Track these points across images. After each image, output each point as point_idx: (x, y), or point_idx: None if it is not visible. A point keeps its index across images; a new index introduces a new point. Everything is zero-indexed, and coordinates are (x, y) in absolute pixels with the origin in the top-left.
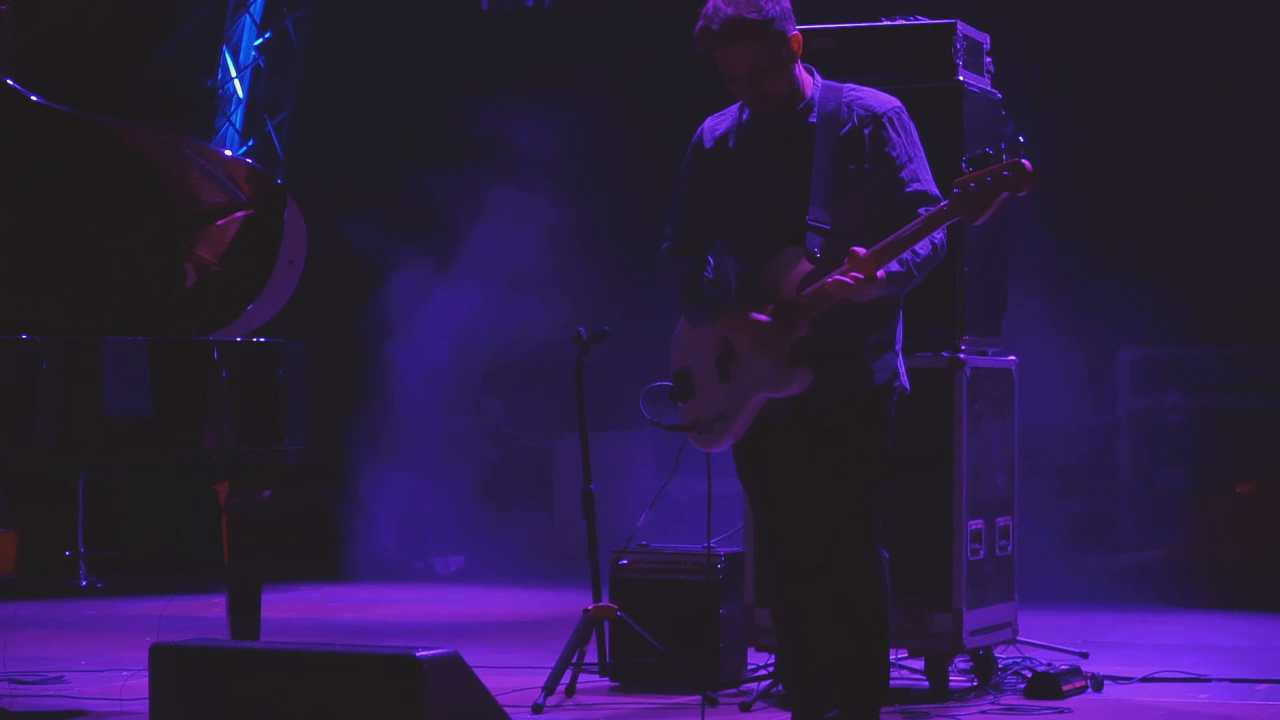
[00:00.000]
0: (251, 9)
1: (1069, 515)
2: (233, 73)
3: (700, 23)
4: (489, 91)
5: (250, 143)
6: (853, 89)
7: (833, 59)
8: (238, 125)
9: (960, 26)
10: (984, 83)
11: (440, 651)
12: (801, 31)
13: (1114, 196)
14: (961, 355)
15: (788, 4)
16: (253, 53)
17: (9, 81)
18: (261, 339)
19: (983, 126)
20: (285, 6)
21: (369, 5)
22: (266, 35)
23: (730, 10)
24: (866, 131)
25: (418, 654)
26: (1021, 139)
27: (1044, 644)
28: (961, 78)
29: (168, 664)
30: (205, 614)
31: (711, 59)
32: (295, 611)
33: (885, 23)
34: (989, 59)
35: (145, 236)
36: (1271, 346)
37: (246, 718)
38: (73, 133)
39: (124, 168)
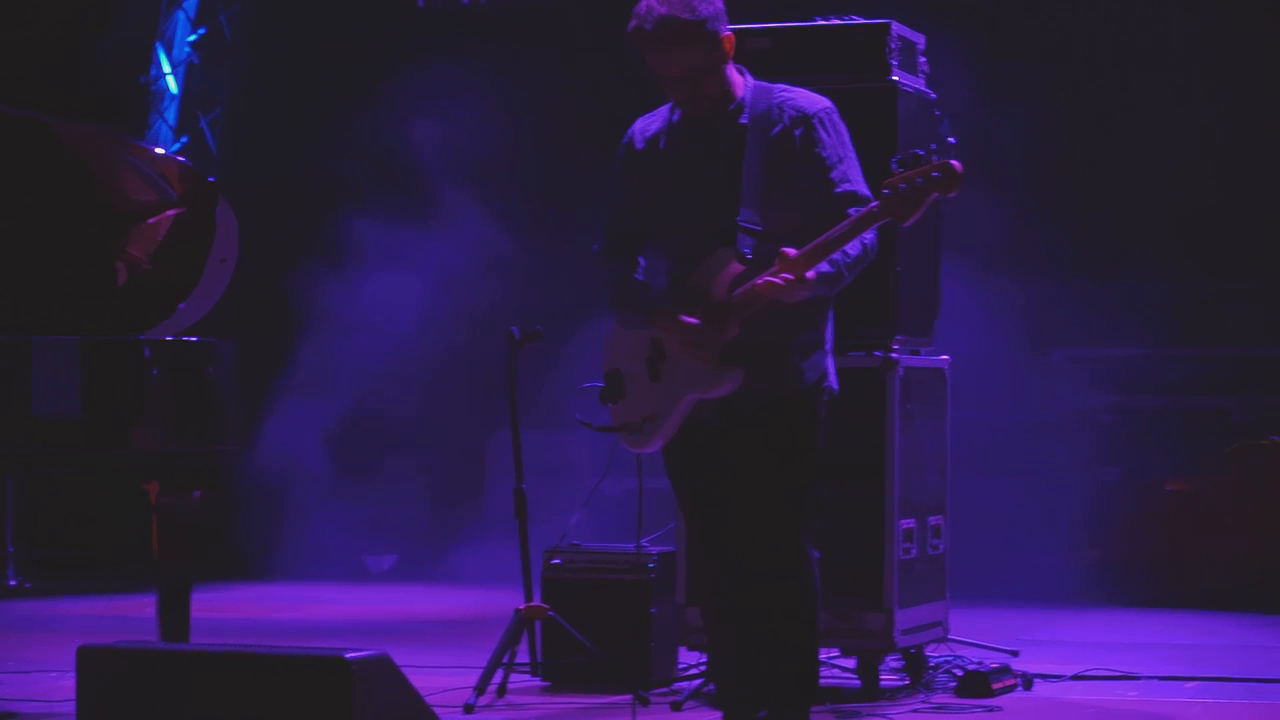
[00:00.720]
0: (185, 5)
1: (1000, 514)
2: (166, 69)
3: (633, 22)
4: (422, 87)
5: (184, 139)
6: (784, 89)
7: (767, 59)
8: (171, 122)
9: (895, 26)
10: (919, 83)
11: (369, 653)
12: (735, 32)
13: (1049, 197)
14: (894, 355)
15: (721, 4)
16: (186, 49)
17: None
18: (193, 338)
19: (917, 127)
20: (219, 3)
21: (303, 1)
22: (200, 31)
23: (663, 10)
24: (797, 132)
25: (346, 656)
26: (951, 140)
27: (975, 642)
28: (896, 78)
29: (95, 666)
30: (135, 614)
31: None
32: (227, 611)
33: (820, 22)
34: (924, 59)
35: (75, 234)
36: (1204, 346)
37: (173, 719)
38: (2, 128)
39: (54, 164)
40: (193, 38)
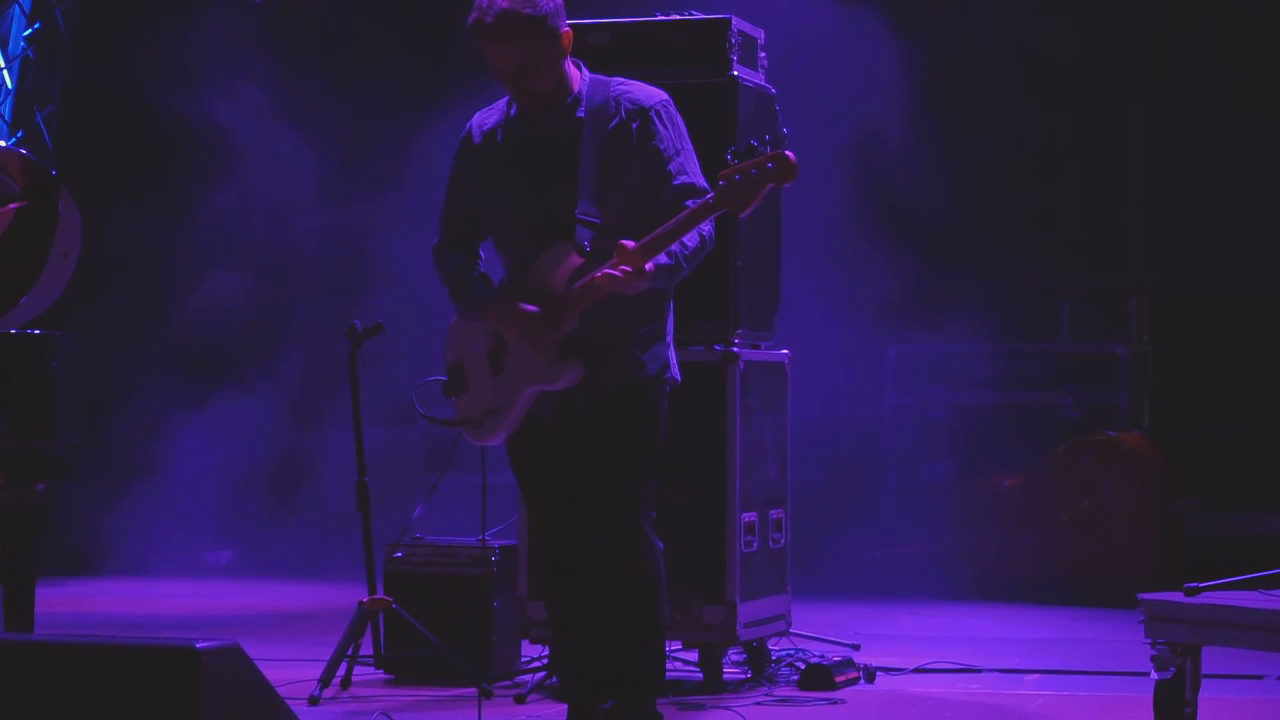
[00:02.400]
0: (20, 0)
1: (836, 508)
2: (1, 63)
3: (473, 15)
4: (250, 81)
5: (19, 134)
6: (620, 83)
7: (606, 54)
8: (6, 116)
9: (735, 21)
10: (759, 78)
11: (220, 643)
12: (574, 26)
13: (884, 193)
14: (734, 349)
15: (560, 1)
16: (21, 44)
17: None
18: (35, 331)
19: (757, 122)
20: None
21: None
22: (35, 26)
23: (505, 4)
24: (634, 125)
25: (196, 645)
26: (785, 130)
27: (817, 636)
28: (736, 73)
29: None
30: None
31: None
32: (60, 606)
33: (659, 17)
34: (763, 54)
35: None
36: (1032, 343)
37: (21, 710)
38: None
39: None
40: (28, 32)
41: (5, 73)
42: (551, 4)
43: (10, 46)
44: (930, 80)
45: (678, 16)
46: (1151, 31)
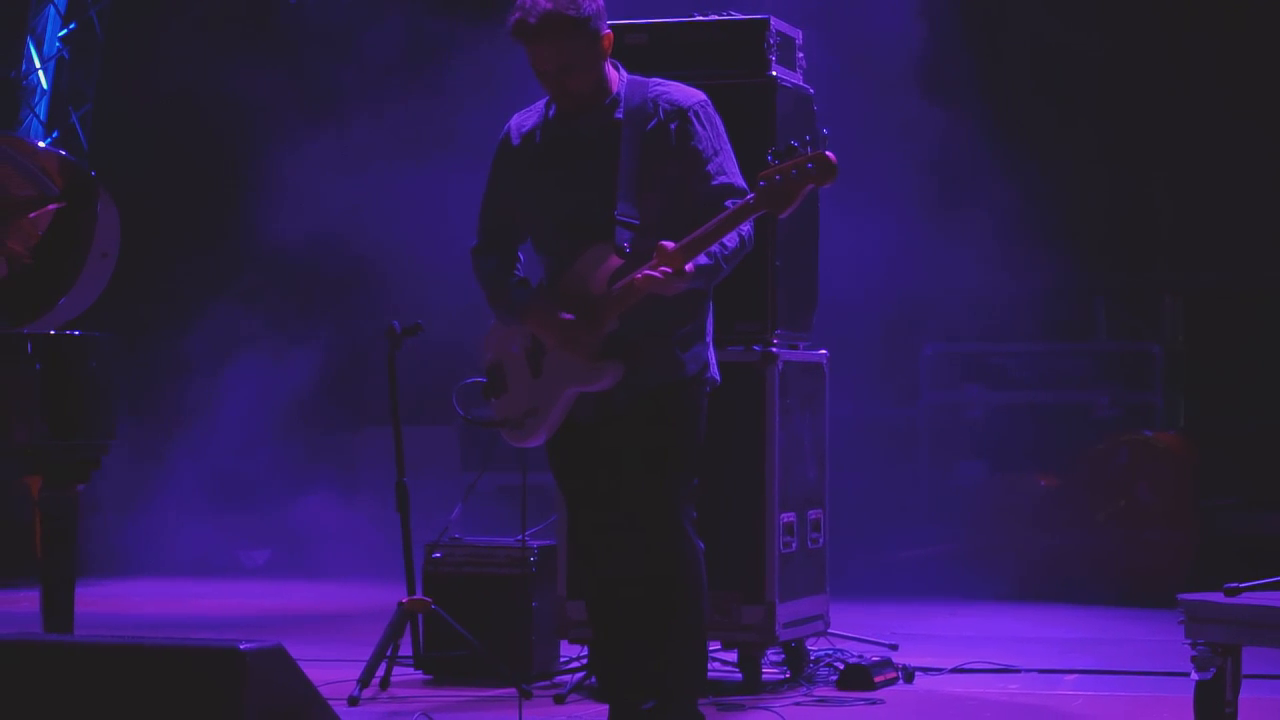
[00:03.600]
0: (55, 1)
1: (874, 508)
2: (37, 64)
3: (516, 15)
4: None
5: (55, 134)
6: (659, 84)
7: (644, 55)
8: (42, 117)
9: (774, 22)
10: (797, 78)
11: (263, 644)
12: (612, 27)
13: (921, 194)
14: (773, 349)
15: (602, 2)
16: (57, 44)
17: None
18: (75, 331)
19: (795, 122)
20: None
21: None
22: (71, 26)
23: (548, 6)
24: (673, 126)
25: (241, 646)
26: (825, 131)
27: (855, 636)
28: (774, 73)
29: None
30: (12, 609)
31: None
32: (98, 606)
33: (698, 18)
34: (801, 54)
35: None
36: (1068, 342)
37: (66, 711)
38: None
39: None
40: (63, 33)
41: (41, 73)
42: (594, 6)
43: (46, 47)
44: (967, 77)
45: (716, 17)
46: (1181, 29)
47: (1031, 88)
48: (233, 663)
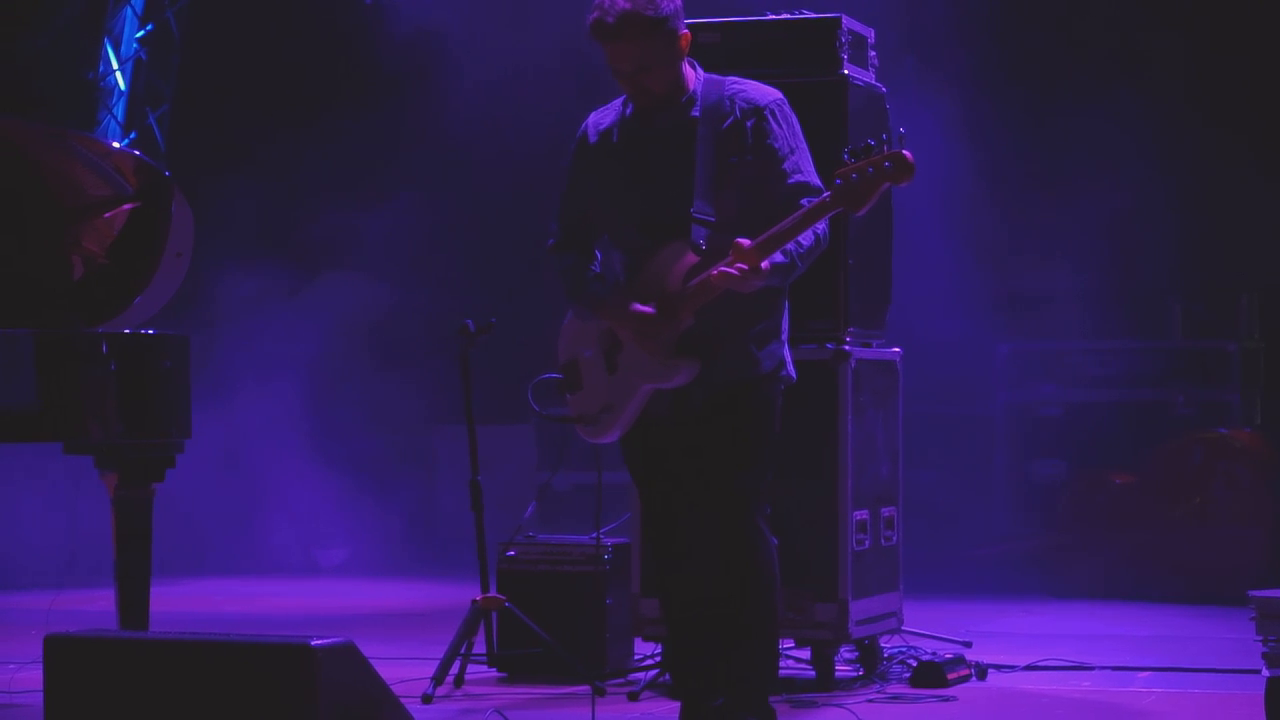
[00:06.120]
0: (133, 2)
1: (948, 506)
2: (114, 65)
3: (594, 14)
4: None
5: (132, 135)
6: (735, 82)
7: (717, 53)
8: (119, 118)
9: (845, 20)
10: (868, 76)
11: (335, 640)
12: (686, 26)
13: (996, 191)
14: (846, 347)
15: (680, 2)
16: (134, 45)
17: None
18: (150, 331)
19: (867, 120)
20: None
21: None
22: (148, 28)
23: (626, 5)
24: (749, 124)
25: (312, 643)
26: (902, 130)
27: (928, 633)
28: (846, 71)
29: (63, 654)
30: (88, 607)
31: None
32: (177, 605)
33: (770, 17)
34: (873, 53)
35: (28, 230)
36: (1144, 340)
37: (141, 707)
38: None
39: (2, 161)
40: (140, 34)
41: (118, 74)
42: (671, 6)
43: (123, 48)
44: (1038, 77)
45: (788, 15)
46: (1256, 26)
47: (1109, 85)
48: (305, 659)
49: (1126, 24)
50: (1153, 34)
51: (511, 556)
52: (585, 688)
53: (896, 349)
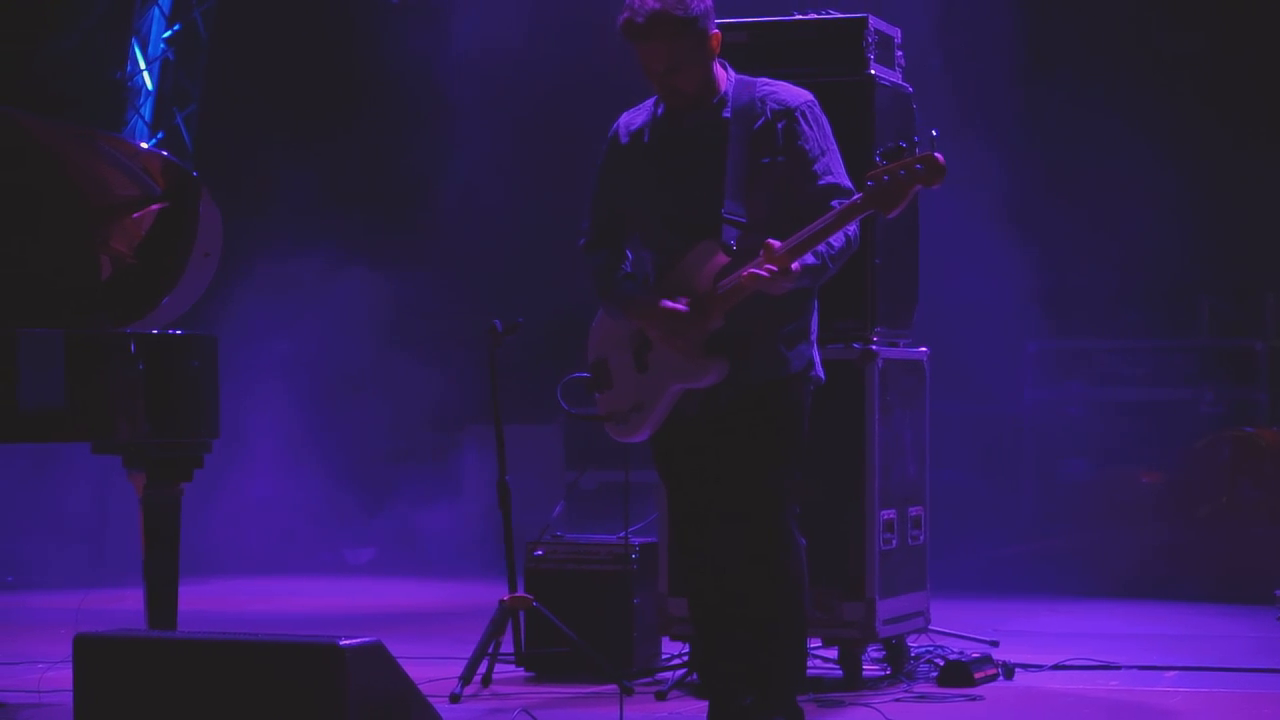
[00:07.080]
0: (160, 2)
1: (975, 505)
2: (142, 65)
3: (624, 14)
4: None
5: (160, 135)
6: (766, 83)
7: (744, 52)
8: (147, 118)
9: (872, 20)
10: (895, 76)
11: (363, 640)
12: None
13: (1024, 189)
14: (873, 347)
15: (710, 2)
16: (161, 45)
17: None
18: (178, 331)
19: (894, 120)
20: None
21: None
22: (175, 28)
23: (656, 5)
24: (780, 125)
25: (341, 643)
26: (935, 133)
27: (955, 633)
28: (873, 71)
29: (93, 654)
30: (116, 606)
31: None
32: (202, 604)
33: (797, 16)
34: (900, 53)
35: (56, 230)
36: (1171, 338)
37: (171, 706)
38: None
39: (30, 161)
40: (168, 34)
41: (146, 74)
42: (702, 6)
43: (150, 48)
44: (1068, 77)
45: (815, 15)
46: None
47: (1134, 84)
48: (333, 659)
49: (1152, 24)
50: (1178, 34)
51: (539, 556)
52: (613, 687)
53: (923, 348)
